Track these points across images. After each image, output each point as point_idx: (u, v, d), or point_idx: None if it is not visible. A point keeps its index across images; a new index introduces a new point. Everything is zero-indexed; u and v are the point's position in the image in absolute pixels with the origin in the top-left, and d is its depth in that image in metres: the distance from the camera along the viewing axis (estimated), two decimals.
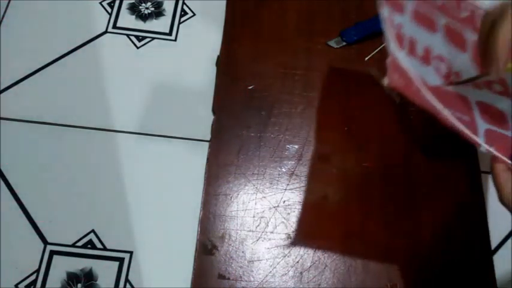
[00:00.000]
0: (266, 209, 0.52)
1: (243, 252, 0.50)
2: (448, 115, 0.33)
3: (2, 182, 1.09)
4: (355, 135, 0.56)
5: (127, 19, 1.30)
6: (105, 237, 1.04)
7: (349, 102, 0.57)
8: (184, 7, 1.33)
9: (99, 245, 1.04)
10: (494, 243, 1.07)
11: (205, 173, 0.53)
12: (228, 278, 0.49)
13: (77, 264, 1.02)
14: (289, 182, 0.53)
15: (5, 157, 1.12)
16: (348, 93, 0.58)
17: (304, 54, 0.60)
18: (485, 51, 0.31)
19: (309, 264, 0.49)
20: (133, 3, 1.32)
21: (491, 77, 0.32)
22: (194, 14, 1.32)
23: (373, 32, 0.60)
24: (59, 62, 1.24)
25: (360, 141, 0.55)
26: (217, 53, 0.61)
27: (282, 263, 0.49)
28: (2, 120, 1.15)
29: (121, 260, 1.03)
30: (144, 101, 1.20)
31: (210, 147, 0.55)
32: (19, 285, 1.00)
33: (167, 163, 1.13)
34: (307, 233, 0.51)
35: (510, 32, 0.29)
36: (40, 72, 1.22)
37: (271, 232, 0.51)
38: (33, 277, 1.01)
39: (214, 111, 0.57)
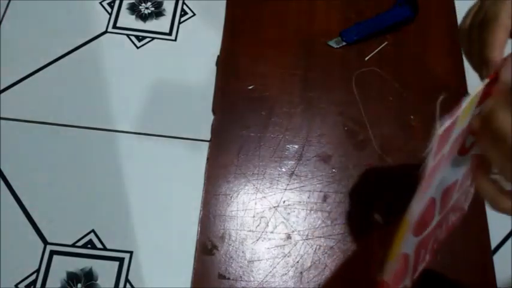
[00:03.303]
0: (266, 209, 0.52)
1: (243, 252, 0.50)
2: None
3: (2, 182, 1.09)
4: (355, 135, 0.56)
5: (127, 19, 1.30)
6: (105, 237, 1.04)
7: (349, 102, 0.57)
8: (184, 7, 1.33)
9: (99, 245, 1.04)
10: (494, 243, 1.07)
11: (205, 173, 0.53)
12: (228, 278, 0.49)
13: (77, 264, 1.02)
14: (289, 182, 0.53)
15: (5, 157, 1.12)
16: (348, 93, 0.58)
17: (304, 54, 0.60)
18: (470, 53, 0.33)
19: (309, 264, 0.49)
20: (133, 3, 1.32)
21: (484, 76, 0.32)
22: (194, 14, 1.32)
23: (373, 32, 0.60)
24: (59, 62, 1.24)
25: (360, 141, 0.55)
26: (217, 53, 0.61)
27: (282, 263, 0.49)
28: (2, 120, 1.15)
29: (121, 260, 1.03)
30: (144, 101, 1.20)
31: (210, 147, 0.55)
32: (19, 285, 0.99)
33: (167, 163, 1.13)
34: (307, 233, 0.51)
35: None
36: (40, 72, 1.22)
37: (271, 232, 0.51)
38: (33, 277, 1.00)
39: (214, 111, 0.57)
